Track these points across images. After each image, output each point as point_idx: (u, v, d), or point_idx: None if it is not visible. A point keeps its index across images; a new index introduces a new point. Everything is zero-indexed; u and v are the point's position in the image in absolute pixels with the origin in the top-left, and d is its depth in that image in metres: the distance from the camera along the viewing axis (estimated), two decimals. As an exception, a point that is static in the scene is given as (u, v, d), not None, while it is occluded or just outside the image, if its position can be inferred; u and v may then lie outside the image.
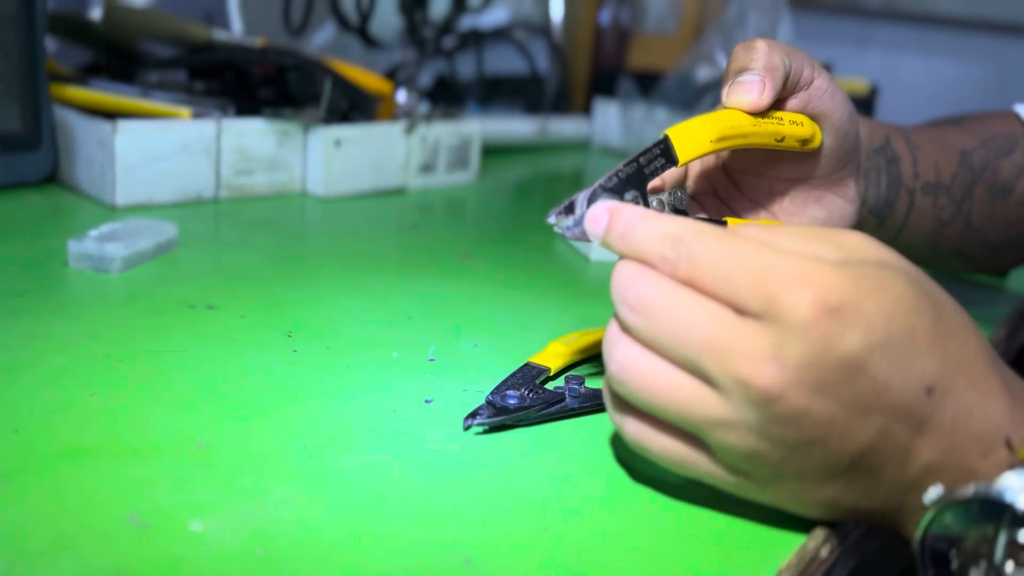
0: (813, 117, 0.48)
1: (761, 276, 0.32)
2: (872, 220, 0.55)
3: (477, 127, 0.95)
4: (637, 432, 0.35)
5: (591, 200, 0.39)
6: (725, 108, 0.46)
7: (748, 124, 0.45)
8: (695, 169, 0.51)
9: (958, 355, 0.33)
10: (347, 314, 0.55)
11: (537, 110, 1.26)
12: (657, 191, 0.46)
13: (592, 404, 0.44)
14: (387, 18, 1.15)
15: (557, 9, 1.42)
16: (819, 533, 0.36)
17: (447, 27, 1.16)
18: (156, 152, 0.74)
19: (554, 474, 0.39)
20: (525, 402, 0.43)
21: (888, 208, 0.55)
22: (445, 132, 0.92)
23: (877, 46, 1.92)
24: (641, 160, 0.42)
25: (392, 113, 0.91)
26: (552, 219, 0.39)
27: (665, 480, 0.38)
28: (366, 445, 0.39)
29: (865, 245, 0.34)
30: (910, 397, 0.32)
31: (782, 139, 0.46)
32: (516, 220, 0.89)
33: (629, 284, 0.34)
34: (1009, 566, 0.30)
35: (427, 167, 0.91)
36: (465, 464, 0.39)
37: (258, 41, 0.89)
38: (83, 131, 0.74)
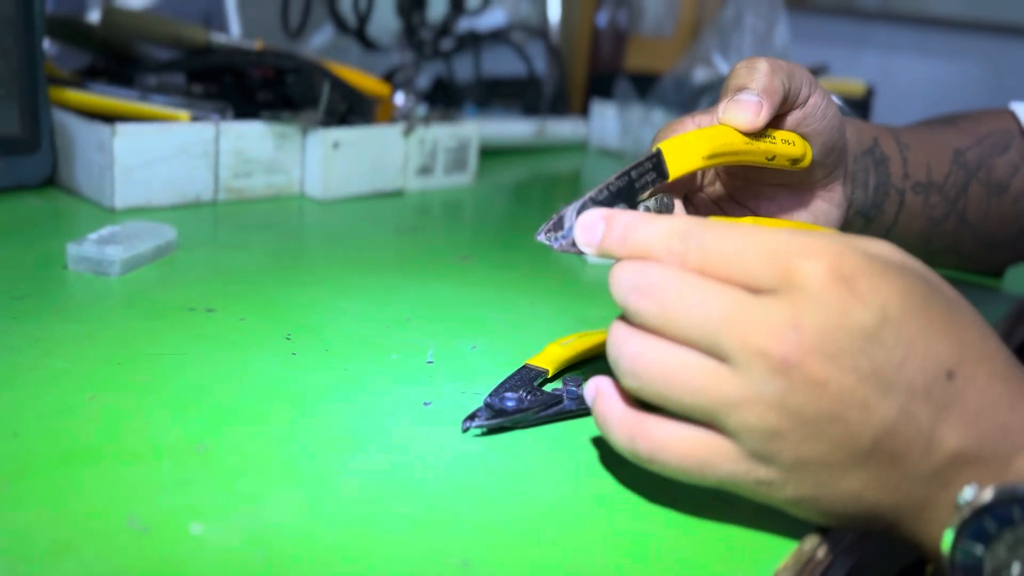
0: (805, 136, 0.48)
1: (775, 251, 0.33)
2: (859, 221, 0.55)
3: (475, 129, 0.95)
4: (651, 448, 0.34)
5: (580, 212, 0.39)
6: (720, 124, 0.46)
7: (741, 143, 0.45)
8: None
9: (976, 346, 0.33)
10: (346, 316, 0.55)
11: (535, 112, 1.27)
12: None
13: (590, 406, 0.44)
14: (385, 20, 1.15)
15: (554, 11, 1.43)
16: (815, 535, 0.36)
17: (445, 29, 1.16)
18: (155, 155, 0.74)
19: (553, 476, 0.39)
20: (523, 404, 0.43)
21: (875, 209, 0.55)
22: (443, 134, 0.92)
23: (873, 47, 1.92)
24: (632, 174, 0.42)
25: (390, 115, 0.91)
26: (542, 236, 0.39)
27: (663, 482, 0.38)
28: (365, 448, 0.39)
29: (890, 251, 0.34)
30: (930, 377, 0.32)
31: (773, 158, 0.47)
32: (514, 222, 0.90)
33: (638, 272, 0.34)
34: None
35: (425, 169, 0.91)
36: (464, 466, 0.39)
37: (256, 44, 0.89)
38: (82, 134, 0.74)
